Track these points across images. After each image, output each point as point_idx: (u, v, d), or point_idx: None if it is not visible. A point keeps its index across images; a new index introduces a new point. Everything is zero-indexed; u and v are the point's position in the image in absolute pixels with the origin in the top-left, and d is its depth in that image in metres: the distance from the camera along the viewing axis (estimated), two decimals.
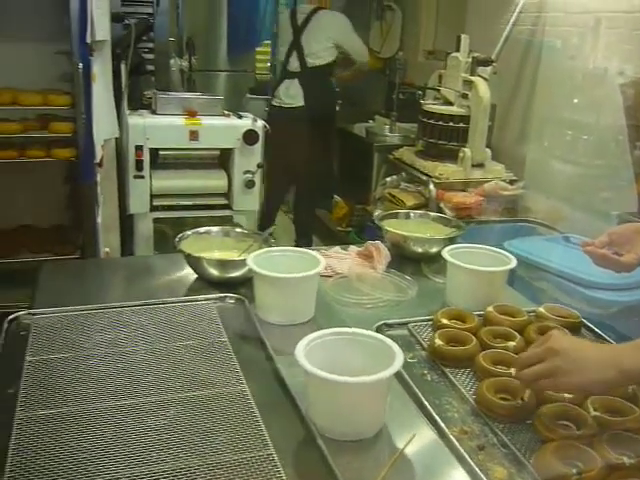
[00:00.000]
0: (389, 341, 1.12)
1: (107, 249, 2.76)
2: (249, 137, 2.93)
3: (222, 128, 2.96)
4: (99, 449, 0.98)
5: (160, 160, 2.99)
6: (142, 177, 2.90)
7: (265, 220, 3.47)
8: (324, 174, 4.11)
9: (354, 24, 3.89)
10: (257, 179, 3.03)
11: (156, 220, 3.01)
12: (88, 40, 2.30)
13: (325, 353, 1.11)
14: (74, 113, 2.44)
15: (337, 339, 1.15)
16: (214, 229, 1.70)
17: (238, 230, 1.72)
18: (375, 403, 1.06)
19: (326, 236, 4.46)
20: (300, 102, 3.75)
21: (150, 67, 3.55)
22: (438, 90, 3.19)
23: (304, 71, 3.76)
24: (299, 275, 1.36)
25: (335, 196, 4.55)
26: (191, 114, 2.95)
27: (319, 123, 3.72)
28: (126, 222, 3.03)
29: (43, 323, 1.35)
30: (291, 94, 3.78)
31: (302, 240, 3.96)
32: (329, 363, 1.06)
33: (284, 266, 1.43)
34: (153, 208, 2.99)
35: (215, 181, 3.04)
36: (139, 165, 2.88)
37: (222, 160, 3.11)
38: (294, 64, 3.80)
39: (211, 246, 1.66)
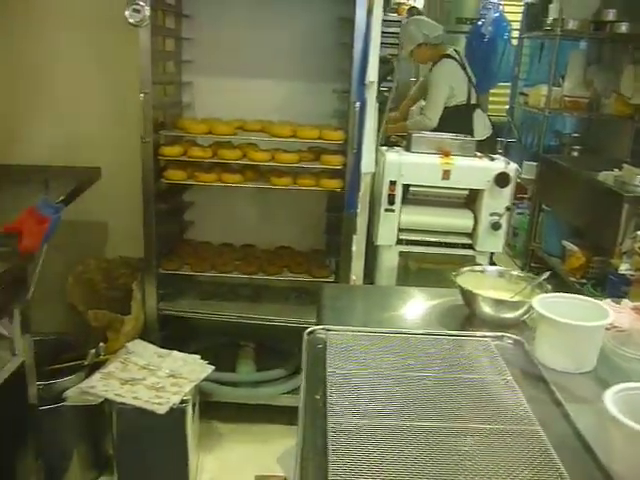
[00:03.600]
0: None
1: (354, 276, 2.90)
2: (501, 180, 2.95)
3: (475, 169, 3.01)
4: (408, 465, 1.05)
5: (410, 196, 3.10)
6: (392, 211, 3.03)
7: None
8: None
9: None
10: (504, 222, 3.03)
11: (400, 253, 3.12)
12: (367, 81, 2.47)
13: (629, 406, 1.10)
14: (344, 147, 2.62)
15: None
16: (489, 268, 1.75)
17: (513, 272, 1.74)
18: None
19: (558, 286, 4.31)
20: None
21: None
22: None
23: None
24: (591, 324, 1.35)
25: (569, 244, 4.39)
26: (445, 154, 3.03)
27: None
28: (370, 252, 3.18)
29: (336, 339, 1.47)
30: None
31: None
32: (634, 417, 1.04)
33: (565, 312, 1.43)
34: (399, 241, 3.11)
35: (462, 220, 3.09)
36: (391, 199, 3.02)
37: (469, 200, 3.15)
38: None
39: (484, 284, 1.70)
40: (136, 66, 2.72)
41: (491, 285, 1.71)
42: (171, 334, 2.89)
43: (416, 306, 1.81)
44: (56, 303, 2.93)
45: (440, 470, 1.04)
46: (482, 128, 4.14)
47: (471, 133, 3.91)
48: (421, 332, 1.51)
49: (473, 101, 4.20)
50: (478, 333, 1.53)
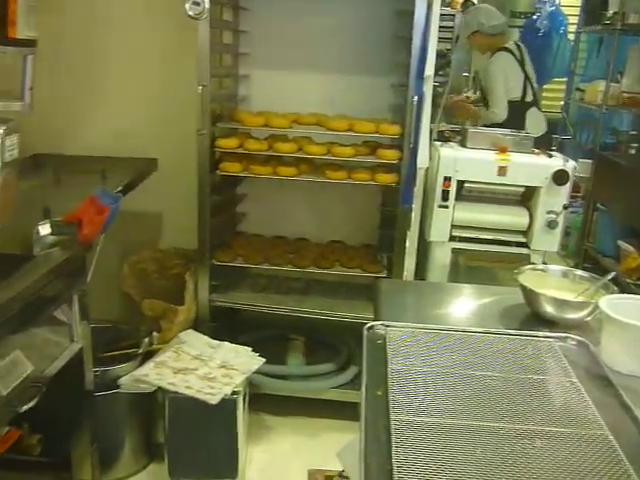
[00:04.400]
0: None
1: (406, 272, 2.88)
2: (559, 177, 2.88)
3: (532, 166, 2.95)
4: (475, 466, 1.03)
5: (464, 192, 3.06)
6: (446, 207, 2.99)
7: None
8: None
9: None
10: (560, 220, 2.97)
11: (453, 250, 3.08)
12: (425, 75, 2.45)
13: None
14: (400, 141, 2.60)
15: None
16: (552, 267, 1.71)
17: (577, 272, 1.70)
18: None
19: None
20: None
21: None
22: None
23: None
24: None
25: (625, 245, 4.29)
26: (501, 150, 2.98)
27: None
28: (421, 248, 3.15)
29: (395, 335, 1.46)
30: None
31: None
32: None
33: (632, 314, 1.38)
34: (451, 238, 3.06)
35: (517, 218, 3.03)
36: (445, 195, 2.97)
37: (524, 197, 3.09)
38: None
39: (546, 284, 1.66)
40: (194, 59, 2.74)
41: (553, 285, 1.67)
42: (221, 325, 2.91)
43: (473, 304, 1.78)
44: (111, 292, 2.98)
45: (509, 473, 1.02)
46: (535, 126, 4.05)
47: None
48: (481, 330, 1.48)
49: (528, 98, 4.12)
50: (540, 333, 1.50)
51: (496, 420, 1.15)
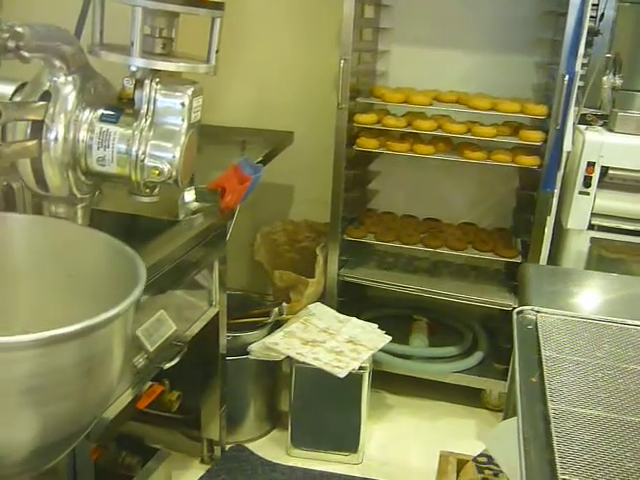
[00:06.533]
0: None
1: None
2: None
3: None
4: None
5: (607, 179, 2.89)
6: (587, 194, 2.84)
7: None
8: None
9: None
10: None
11: (591, 239, 2.93)
12: (578, 53, 2.32)
13: None
14: (544, 123, 2.49)
15: None
16: None
17: None
18: None
19: None
20: None
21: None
22: None
23: None
24: None
25: None
26: None
27: None
28: (555, 235, 3.02)
29: (547, 321, 1.40)
30: None
31: None
32: None
33: None
34: (590, 226, 2.92)
35: None
36: (587, 182, 2.82)
37: None
38: None
39: None
40: (334, 32, 2.73)
41: None
42: (347, 301, 2.92)
43: (628, 295, 1.68)
44: (241, 260, 3.06)
45: None
46: None
47: None
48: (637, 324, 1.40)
49: None
50: None
51: None
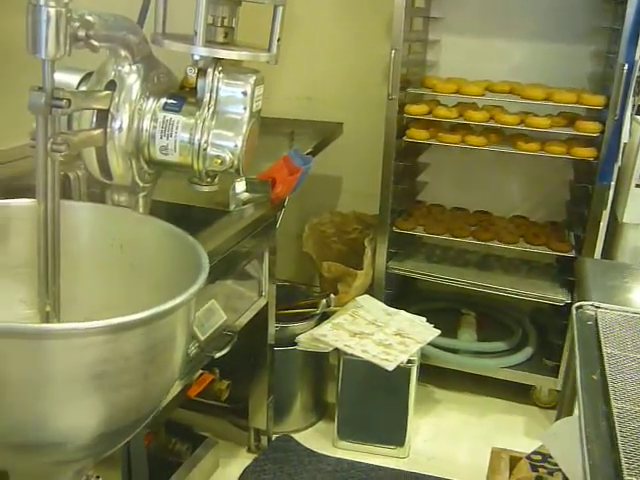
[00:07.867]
0: None
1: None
2: None
3: None
4: None
5: None
6: None
7: None
8: None
9: None
10: None
11: None
12: (638, 41, 2.25)
13: None
14: (600, 113, 2.43)
15: None
16: None
17: None
18: None
19: None
20: None
21: None
22: None
23: None
24: None
25: None
26: None
27: None
28: (610, 230, 2.95)
29: (607, 317, 1.36)
30: None
31: None
32: None
33: None
34: None
35: None
36: None
37: None
38: None
39: None
40: (383, 23, 2.71)
41: None
42: (395, 294, 2.90)
43: None
44: (290, 251, 3.06)
45: None
46: None
47: None
48: None
49: None
50: None
51: None
